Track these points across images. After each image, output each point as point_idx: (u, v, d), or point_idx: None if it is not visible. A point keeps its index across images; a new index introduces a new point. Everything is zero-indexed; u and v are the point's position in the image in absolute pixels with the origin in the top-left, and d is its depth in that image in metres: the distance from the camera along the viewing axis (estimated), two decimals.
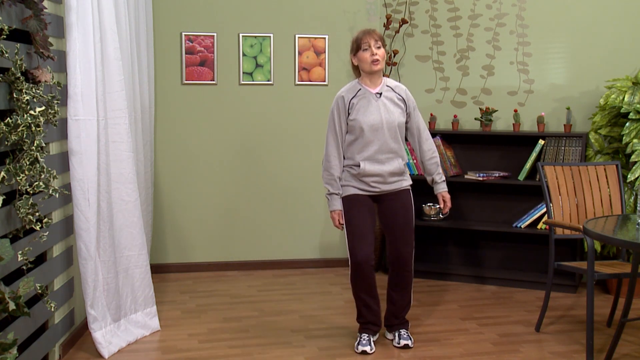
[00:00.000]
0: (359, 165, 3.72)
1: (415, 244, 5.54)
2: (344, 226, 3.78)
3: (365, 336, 3.84)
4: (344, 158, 3.81)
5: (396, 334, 3.91)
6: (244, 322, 4.29)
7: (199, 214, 5.50)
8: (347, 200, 3.78)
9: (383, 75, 3.83)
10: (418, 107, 5.48)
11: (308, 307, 4.61)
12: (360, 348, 3.79)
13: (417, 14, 5.51)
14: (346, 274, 5.52)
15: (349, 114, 3.72)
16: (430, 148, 3.92)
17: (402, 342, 3.85)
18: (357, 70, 3.81)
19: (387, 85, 3.79)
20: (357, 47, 3.71)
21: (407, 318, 4.02)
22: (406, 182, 3.87)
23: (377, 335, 3.96)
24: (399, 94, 3.80)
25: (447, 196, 3.95)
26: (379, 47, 3.69)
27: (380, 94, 3.75)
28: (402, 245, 3.80)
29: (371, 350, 3.79)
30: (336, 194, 3.77)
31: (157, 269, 5.33)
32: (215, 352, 3.81)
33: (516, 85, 5.32)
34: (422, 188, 5.52)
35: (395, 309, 3.92)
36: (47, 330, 3.46)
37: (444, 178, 3.95)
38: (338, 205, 3.77)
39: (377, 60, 3.67)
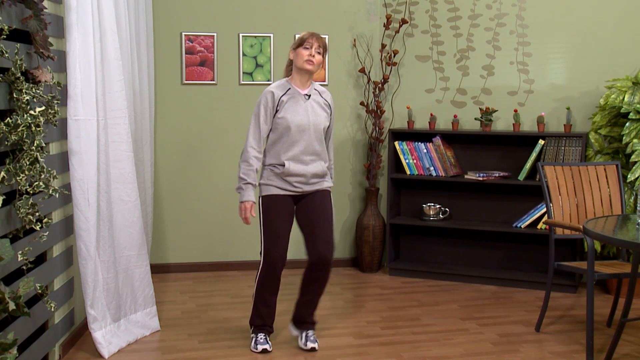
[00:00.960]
0: (284, 165, 3.71)
1: (416, 244, 5.59)
2: (261, 225, 3.74)
3: (262, 335, 3.84)
4: (265, 156, 3.79)
5: (304, 335, 3.88)
6: (244, 322, 4.28)
7: (199, 214, 5.50)
8: (267, 200, 3.74)
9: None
10: (418, 107, 5.52)
11: None
12: (261, 347, 3.78)
13: (417, 14, 5.51)
14: (346, 274, 5.53)
15: (277, 110, 3.72)
16: (332, 157, 3.96)
17: (310, 345, 3.83)
18: (289, 67, 3.83)
19: (315, 89, 3.82)
20: (299, 43, 3.73)
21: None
22: (326, 184, 3.86)
23: (270, 335, 3.95)
24: (325, 99, 3.83)
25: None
26: (319, 53, 3.72)
27: (309, 95, 3.77)
28: (322, 245, 3.76)
29: (270, 348, 3.80)
30: (252, 185, 3.72)
31: (157, 269, 5.33)
32: (215, 352, 3.81)
33: (516, 85, 5.32)
34: (422, 188, 5.53)
35: (308, 304, 3.88)
36: (47, 330, 3.46)
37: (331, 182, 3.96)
38: (252, 196, 3.72)
39: (311, 61, 3.69)
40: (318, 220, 3.78)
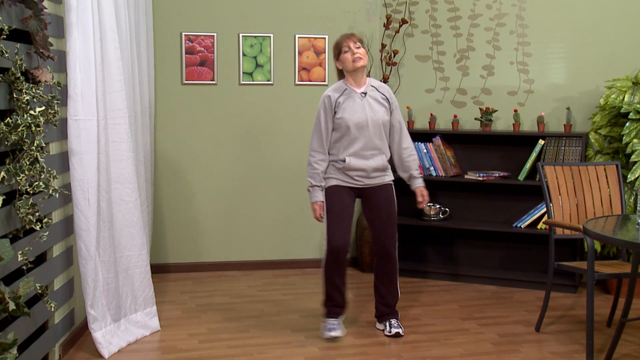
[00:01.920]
0: (344, 161, 3.86)
1: (416, 244, 5.59)
2: (325, 213, 3.90)
3: (332, 320, 3.98)
4: (329, 154, 3.95)
5: (387, 324, 4.04)
6: (244, 322, 4.29)
7: (199, 214, 5.50)
8: (329, 190, 3.92)
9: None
10: (418, 107, 5.52)
11: (308, 307, 4.61)
12: (331, 333, 3.92)
13: (417, 14, 5.51)
14: (347, 273, 5.52)
15: (335, 112, 3.87)
16: (410, 146, 4.07)
17: (394, 331, 3.98)
18: (340, 74, 4.00)
19: (372, 85, 3.96)
20: (338, 51, 3.91)
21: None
22: (388, 177, 4.02)
23: (343, 317, 4.08)
24: (383, 94, 3.96)
25: (425, 191, 4.10)
26: (358, 47, 3.87)
27: (365, 93, 3.91)
28: (386, 238, 3.96)
29: (342, 333, 3.96)
30: (318, 187, 3.91)
31: (157, 269, 5.33)
32: (215, 352, 3.81)
33: (516, 85, 5.32)
34: None
35: (383, 300, 4.06)
36: (47, 330, 3.46)
37: (421, 174, 4.13)
38: (320, 197, 3.91)
39: (359, 57, 3.85)
40: (383, 214, 3.95)
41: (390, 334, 4.00)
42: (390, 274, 4.04)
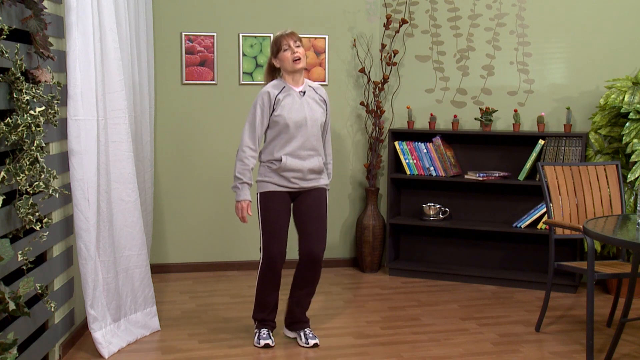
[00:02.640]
0: (280, 160, 3.74)
1: (416, 244, 5.59)
2: (260, 222, 3.79)
3: (265, 330, 3.89)
4: (262, 153, 3.84)
5: (302, 334, 3.92)
6: (244, 322, 4.28)
7: (199, 214, 5.50)
8: (265, 196, 3.78)
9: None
10: (418, 107, 5.52)
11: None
12: (263, 342, 3.84)
13: (417, 14, 5.51)
14: (346, 274, 5.53)
15: (273, 109, 3.75)
16: (330, 154, 3.98)
17: (311, 342, 3.87)
18: (272, 72, 3.86)
19: (309, 86, 3.86)
20: (277, 49, 3.77)
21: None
22: (323, 181, 3.89)
23: (273, 331, 3.99)
24: (320, 95, 3.86)
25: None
26: (298, 46, 3.76)
27: (304, 92, 3.81)
28: (315, 242, 3.81)
29: (273, 343, 3.85)
30: (248, 184, 3.77)
31: (157, 269, 5.33)
32: (215, 352, 3.81)
33: (516, 85, 5.32)
34: (422, 188, 5.53)
35: (300, 307, 3.94)
36: (47, 330, 3.46)
37: (329, 180, 3.98)
38: (248, 195, 3.77)
39: (299, 57, 3.74)
40: (311, 217, 3.82)
41: (307, 345, 3.85)
42: (314, 280, 3.88)
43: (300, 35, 3.86)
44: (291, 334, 3.99)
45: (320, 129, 3.82)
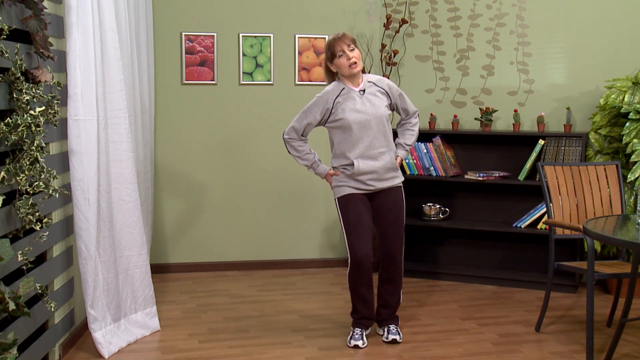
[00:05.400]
0: (353, 165, 3.78)
1: (416, 244, 5.58)
2: (342, 225, 3.85)
3: (358, 330, 3.93)
4: (333, 158, 3.90)
5: (385, 329, 3.99)
6: (244, 322, 4.29)
7: (198, 214, 5.50)
8: (344, 199, 3.84)
9: (368, 73, 3.87)
10: (418, 107, 5.46)
11: (308, 307, 4.61)
12: (353, 342, 3.87)
13: (417, 14, 5.51)
14: (346, 274, 5.52)
15: (331, 113, 3.79)
16: (417, 122, 4.01)
17: (390, 337, 3.92)
18: (331, 74, 3.88)
19: (369, 81, 3.87)
20: (331, 55, 3.78)
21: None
22: (398, 179, 3.93)
23: (370, 330, 4.03)
24: (381, 88, 3.87)
25: (399, 160, 3.93)
26: (352, 50, 3.75)
27: (364, 90, 3.82)
28: (393, 242, 3.87)
29: (363, 344, 3.88)
30: (317, 161, 3.89)
31: (157, 269, 5.33)
32: (215, 352, 3.81)
33: (516, 85, 5.32)
34: (422, 188, 5.53)
35: (385, 305, 4.00)
36: (47, 330, 3.46)
37: (409, 148, 4.00)
38: (325, 167, 3.90)
39: (355, 62, 3.75)
40: (391, 217, 3.88)
41: (387, 340, 3.92)
42: (395, 279, 3.95)
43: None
44: (380, 331, 4.06)
45: (386, 123, 3.83)
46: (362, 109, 3.77)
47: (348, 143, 3.79)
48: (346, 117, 3.76)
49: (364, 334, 3.95)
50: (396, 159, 3.89)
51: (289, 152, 3.92)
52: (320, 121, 3.85)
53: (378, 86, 3.86)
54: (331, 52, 3.78)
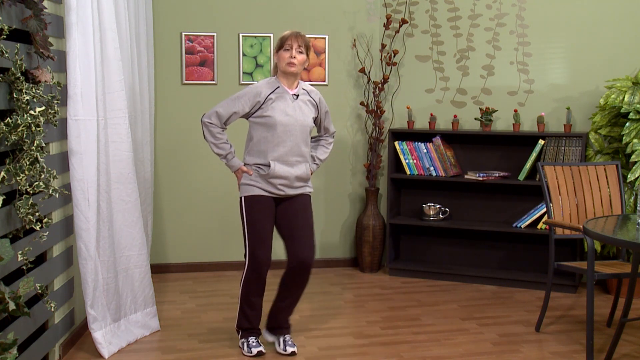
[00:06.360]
0: (269, 166, 3.66)
1: (416, 244, 5.59)
2: (244, 226, 3.72)
3: (253, 338, 3.79)
4: (248, 155, 3.76)
5: (281, 340, 3.82)
6: None
7: (198, 214, 5.50)
8: (251, 200, 3.70)
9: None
10: (418, 107, 5.52)
11: (308, 307, 4.60)
12: (255, 350, 3.73)
13: (417, 14, 5.51)
14: (346, 274, 5.53)
15: (260, 108, 3.67)
16: (332, 142, 3.98)
17: (289, 350, 3.76)
18: (276, 69, 3.80)
19: (303, 89, 3.79)
20: (280, 45, 3.70)
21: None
22: (309, 189, 3.83)
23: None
24: (312, 99, 3.80)
25: (310, 174, 3.86)
26: (300, 52, 3.67)
27: (297, 95, 3.73)
28: (303, 249, 3.70)
29: (264, 350, 3.76)
30: (231, 154, 3.74)
31: (157, 269, 5.33)
32: (215, 352, 3.81)
33: (516, 85, 5.32)
34: (422, 188, 5.53)
35: (285, 312, 3.86)
36: (47, 330, 3.46)
37: (320, 164, 3.95)
38: (239, 161, 3.74)
39: (293, 63, 3.65)
40: (299, 224, 3.74)
41: (285, 352, 3.75)
42: (303, 286, 3.79)
43: (310, 36, 3.76)
44: (270, 338, 3.88)
45: (309, 134, 3.76)
46: (291, 113, 3.67)
47: (270, 143, 3.66)
48: (274, 116, 3.63)
49: (259, 340, 3.80)
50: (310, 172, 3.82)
51: (205, 137, 3.73)
52: (247, 113, 3.70)
53: (310, 96, 3.79)
54: (281, 42, 3.69)
